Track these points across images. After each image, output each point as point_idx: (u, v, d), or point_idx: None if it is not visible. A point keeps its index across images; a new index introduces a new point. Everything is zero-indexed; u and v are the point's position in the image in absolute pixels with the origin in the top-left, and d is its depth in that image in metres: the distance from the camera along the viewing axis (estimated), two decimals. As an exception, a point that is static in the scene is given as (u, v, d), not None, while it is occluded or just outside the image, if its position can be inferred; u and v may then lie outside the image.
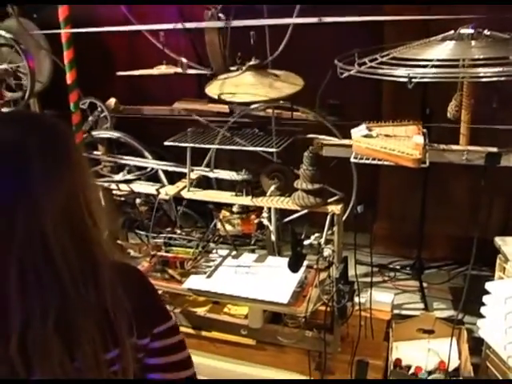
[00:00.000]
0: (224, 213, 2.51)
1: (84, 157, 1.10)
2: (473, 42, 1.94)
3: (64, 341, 0.98)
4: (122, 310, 1.04)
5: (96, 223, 1.05)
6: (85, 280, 1.00)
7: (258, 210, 2.48)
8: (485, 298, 2.20)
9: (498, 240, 2.26)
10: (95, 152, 2.93)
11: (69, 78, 2.74)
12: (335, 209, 2.18)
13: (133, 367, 1.07)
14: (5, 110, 2.78)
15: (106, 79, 3.44)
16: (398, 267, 3.35)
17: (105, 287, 1.02)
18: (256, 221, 2.49)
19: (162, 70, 2.56)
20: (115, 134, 2.95)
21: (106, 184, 2.57)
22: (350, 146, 2.16)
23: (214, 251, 2.68)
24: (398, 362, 2.40)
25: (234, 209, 2.49)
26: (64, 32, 2.63)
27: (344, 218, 2.27)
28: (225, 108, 2.80)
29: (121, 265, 1.16)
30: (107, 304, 1.02)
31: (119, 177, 2.57)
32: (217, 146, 2.38)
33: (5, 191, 0.94)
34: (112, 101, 2.86)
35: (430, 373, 2.35)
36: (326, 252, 2.21)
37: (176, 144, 2.36)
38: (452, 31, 2.01)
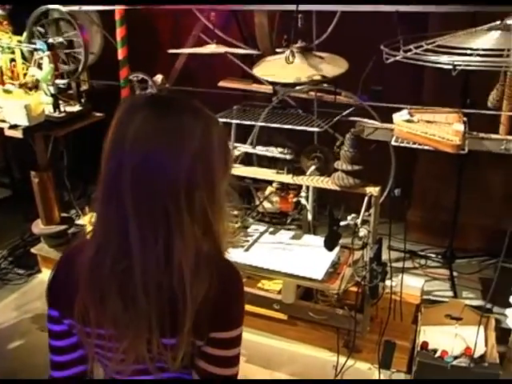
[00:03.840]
0: (263, 190, 2.58)
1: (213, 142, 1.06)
2: (518, 33, 1.96)
3: (122, 294, 0.99)
4: (193, 303, 0.99)
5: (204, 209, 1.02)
6: (157, 251, 0.98)
7: (297, 190, 2.54)
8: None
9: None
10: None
11: (120, 53, 2.82)
12: (373, 190, 2.24)
13: (180, 361, 1.03)
14: (59, 81, 2.88)
15: (151, 57, 3.52)
16: (429, 255, 3.36)
17: (180, 270, 0.98)
18: (294, 200, 2.56)
19: (212, 48, 2.60)
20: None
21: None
22: (390, 130, 2.21)
23: (252, 227, 2.75)
24: (424, 344, 2.44)
25: (274, 185, 2.55)
26: (118, 9, 2.71)
27: (380, 201, 2.32)
28: (269, 88, 2.82)
29: (224, 262, 1.12)
30: (175, 288, 0.98)
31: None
32: (262, 124, 2.44)
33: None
34: (159, 77, 2.91)
35: (455, 357, 2.38)
36: (362, 232, 2.27)
37: (222, 120, 2.43)
38: (498, 21, 2.02)
